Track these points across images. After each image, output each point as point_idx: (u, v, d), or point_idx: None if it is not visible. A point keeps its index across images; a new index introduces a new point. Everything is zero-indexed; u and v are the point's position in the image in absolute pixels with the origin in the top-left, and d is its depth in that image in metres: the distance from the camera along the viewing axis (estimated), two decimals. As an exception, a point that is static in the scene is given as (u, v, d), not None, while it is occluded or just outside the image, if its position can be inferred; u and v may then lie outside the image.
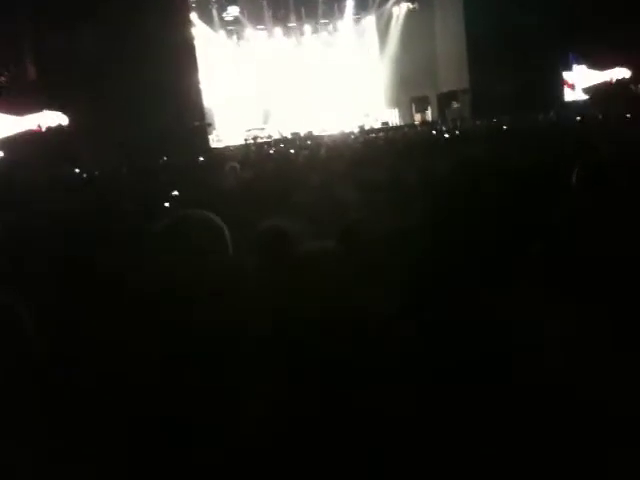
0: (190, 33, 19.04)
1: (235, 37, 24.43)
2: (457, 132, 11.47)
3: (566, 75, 21.92)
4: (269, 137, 21.43)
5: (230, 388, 1.36)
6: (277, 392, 1.34)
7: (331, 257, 1.55)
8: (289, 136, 21.33)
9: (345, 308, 1.43)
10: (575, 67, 21.77)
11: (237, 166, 6.42)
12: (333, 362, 1.36)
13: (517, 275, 1.61)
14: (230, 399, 1.34)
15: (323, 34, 26.08)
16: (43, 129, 15.35)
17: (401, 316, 1.52)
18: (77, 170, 10.51)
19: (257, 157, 10.11)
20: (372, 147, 8.89)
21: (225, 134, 22.86)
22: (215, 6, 22.52)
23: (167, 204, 4.50)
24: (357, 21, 25.95)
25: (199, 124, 18.37)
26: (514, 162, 3.66)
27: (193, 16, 20.97)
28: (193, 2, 21.38)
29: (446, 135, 11.28)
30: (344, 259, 1.55)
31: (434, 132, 12.62)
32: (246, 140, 21.25)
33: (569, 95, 22.04)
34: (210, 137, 20.61)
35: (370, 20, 26.28)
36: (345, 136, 17.58)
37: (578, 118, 11.24)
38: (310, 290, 1.48)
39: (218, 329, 1.44)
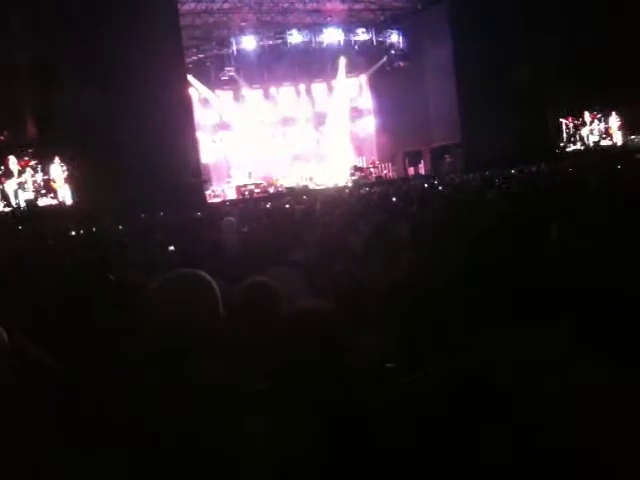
0: (187, 93, 19.45)
1: (231, 96, 25.10)
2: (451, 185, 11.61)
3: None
4: (265, 192, 21.62)
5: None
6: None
7: (322, 315, 1.54)
8: (284, 190, 21.57)
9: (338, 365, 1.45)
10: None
11: (233, 220, 6.47)
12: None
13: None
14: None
15: (317, 92, 26.78)
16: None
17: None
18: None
19: (253, 211, 10.18)
20: (367, 200, 8.97)
21: (221, 190, 23.12)
22: (211, 67, 23.22)
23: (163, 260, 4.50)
24: (350, 79, 26.68)
25: (195, 180, 18.52)
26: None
27: (190, 77, 21.53)
28: (190, 63, 21.99)
29: (440, 188, 11.41)
30: (336, 317, 1.56)
31: (426, 185, 12.79)
32: (242, 195, 21.46)
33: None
34: (207, 193, 20.77)
35: (363, 79, 27.07)
36: (340, 190, 17.76)
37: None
38: (301, 347, 1.47)
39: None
